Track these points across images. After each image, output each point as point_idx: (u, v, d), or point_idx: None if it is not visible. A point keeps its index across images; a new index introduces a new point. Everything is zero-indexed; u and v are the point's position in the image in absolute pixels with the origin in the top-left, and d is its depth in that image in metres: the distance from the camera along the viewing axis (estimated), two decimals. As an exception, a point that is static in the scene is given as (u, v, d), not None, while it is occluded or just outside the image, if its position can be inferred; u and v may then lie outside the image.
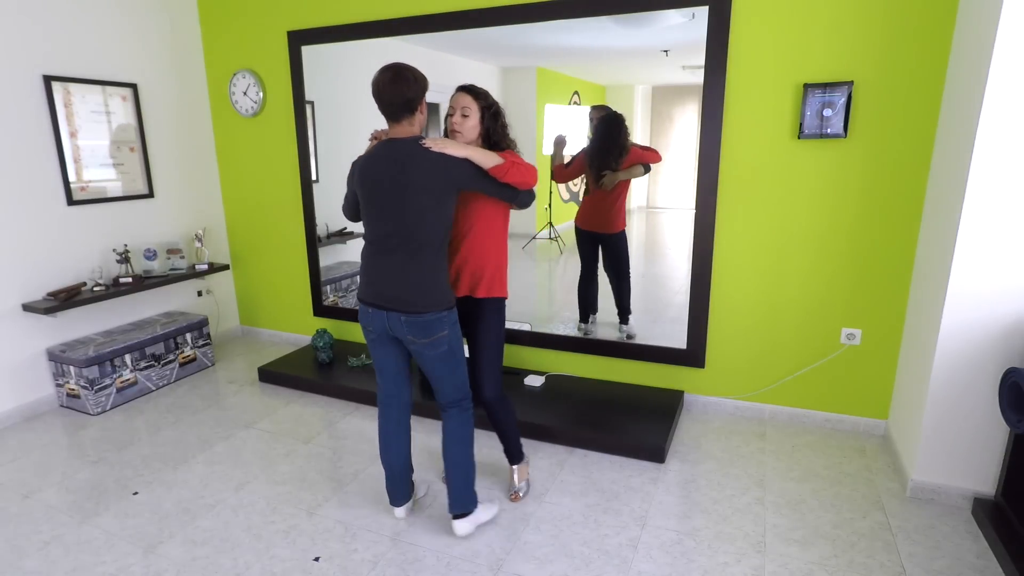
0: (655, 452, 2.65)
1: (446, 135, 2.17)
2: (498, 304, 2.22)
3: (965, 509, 2.29)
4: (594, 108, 3.11)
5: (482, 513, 2.22)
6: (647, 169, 3.01)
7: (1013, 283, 2.09)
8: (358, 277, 3.91)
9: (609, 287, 3.25)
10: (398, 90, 1.91)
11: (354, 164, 2.08)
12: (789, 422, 2.98)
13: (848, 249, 2.70)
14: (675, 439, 2.85)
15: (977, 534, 2.16)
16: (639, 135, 3.10)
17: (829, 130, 2.57)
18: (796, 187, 2.72)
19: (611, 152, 3.01)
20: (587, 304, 3.29)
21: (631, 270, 3.18)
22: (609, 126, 3.05)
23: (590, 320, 3.28)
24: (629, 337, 3.20)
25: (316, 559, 2.08)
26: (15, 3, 2.98)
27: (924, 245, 2.52)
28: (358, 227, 3.84)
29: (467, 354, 2.29)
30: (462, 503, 2.14)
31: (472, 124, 2.08)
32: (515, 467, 2.43)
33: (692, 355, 3.03)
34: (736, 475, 2.55)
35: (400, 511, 2.28)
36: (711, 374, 3.07)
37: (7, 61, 2.97)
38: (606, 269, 3.23)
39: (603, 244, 3.22)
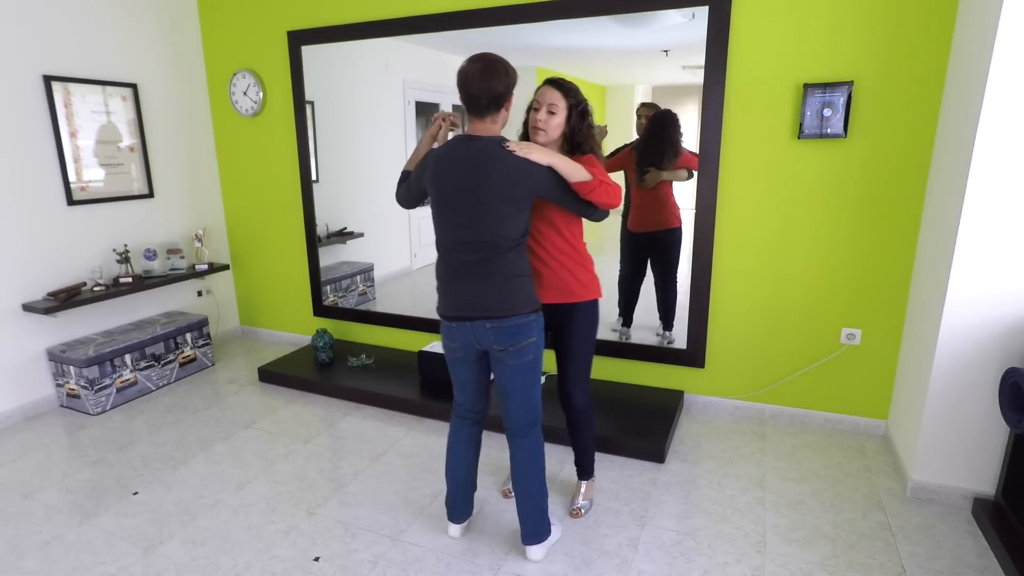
0: (655, 452, 2.65)
1: (524, 131, 2.04)
2: (592, 307, 2.09)
3: (965, 509, 2.29)
4: (643, 105, 2.99)
5: (554, 534, 2.12)
6: (691, 175, 2.89)
7: (1013, 283, 2.09)
8: (357, 277, 3.95)
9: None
10: (488, 84, 1.75)
11: (428, 156, 1.92)
12: (789, 422, 2.98)
13: (848, 249, 2.70)
14: (675, 439, 2.85)
15: (977, 534, 2.16)
16: (639, 134, 3.09)
17: (829, 130, 2.57)
18: (796, 187, 2.72)
19: (665, 151, 2.90)
20: (632, 310, 3.19)
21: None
22: (664, 124, 2.92)
23: (632, 325, 3.19)
24: (670, 343, 3.12)
25: (316, 559, 2.08)
26: (15, 3, 2.98)
27: (924, 245, 2.52)
28: (358, 227, 3.89)
29: (554, 363, 2.19)
30: (537, 534, 2.04)
31: (558, 122, 1.94)
32: (584, 482, 2.34)
33: (692, 355, 3.03)
34: (736, 475, 2.55)
35: (455, 529, 2.16)
36: (711, 374, 3.07)
37: (7, 61, 2.97)
38: (653, 270, 3.13)
39: (658, 243, 3.10)
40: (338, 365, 3.60)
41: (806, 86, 2.56)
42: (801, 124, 2.60)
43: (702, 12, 2.64)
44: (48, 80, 3.13)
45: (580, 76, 3.21)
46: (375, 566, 2.04)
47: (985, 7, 2.05)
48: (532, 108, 1.99)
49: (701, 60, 2.70)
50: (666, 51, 2.89)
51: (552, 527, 2.11)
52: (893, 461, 2.62)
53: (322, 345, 3.59)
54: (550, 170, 1.80)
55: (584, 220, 2.04)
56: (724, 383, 3.07)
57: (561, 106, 1.94)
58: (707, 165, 2.79)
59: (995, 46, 1.94)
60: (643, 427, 2.79)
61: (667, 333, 3.14)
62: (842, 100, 2.52)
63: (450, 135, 2.05)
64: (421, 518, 2.29)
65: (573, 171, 1.81)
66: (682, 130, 2.89)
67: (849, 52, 2.51)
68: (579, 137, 1.98)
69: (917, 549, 2.08)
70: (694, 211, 2.87)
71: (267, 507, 2.38)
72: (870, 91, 2.51)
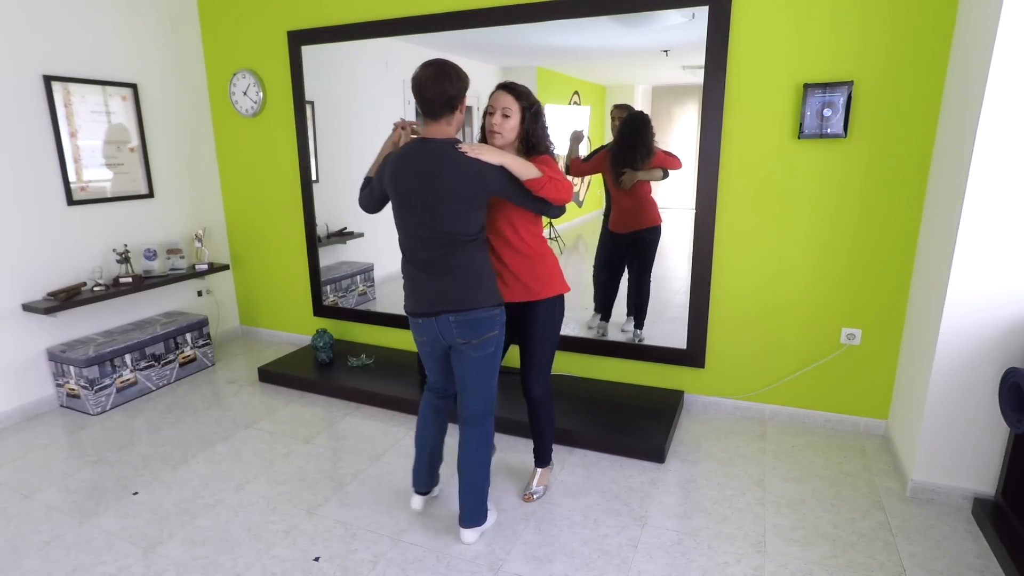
0: (655, 452, 2.65)
1: (483, 134, 2.12)
2: (553, 303, 2.17)
3: (965, 509, 2.29)
4: (616, 107, 3.06)
5: (489, 520, 2.20)
6: (666, 174, 2.97)
7: (1013, 283, 2.09)
8: (357, 277, 3.95)
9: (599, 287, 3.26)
10: (440, 88, 1.84)
11: (387, 158, 2.01)
12: (789, 422, 2.98)
13: (848, 249, 2.70)
14: (675, 439, 2.85)
15: (977, 534, 2.16)
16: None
17: (829, 130, 2.57)
18: (796, 187, 2.72)
19: (638, 151, 2.95)
20: (609, 305, 3.25)
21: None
22: (636, 125, 2.99)
23: (606, 320, 3.25)
24: (640, 341, 3.17)
25: (316, 559, 2.08)
26: (15, 3, 2.98)
27: (924, 245, 2.52)
28: (358, 227, 3.89)
29: (515, 355, 2.30)
30: (473, 518, 2.13)
31: (512, 125, 2.02)
32: (540, 470, 2.43)
33: (692, 355, 3.03)
34: (736, 475, 2.55)
35: (417, 501, 2.26)
36: (711, 374, 3.07)
37: (7, 61, 2.97)
38: (630, 267, 3.19)
39: (639, 241, 3.16)
40: (338, 365, 3.59)
41: (806, 86, 2.56)
42: (801, 124, 2.60)
43: (702, 12, 2.64)
44: (48, 80, 3.13)
45: (580, 76, 3.22)
46: (375, 566, 2.04)
47: (985, 7, 2.05)
48: (487, 113, 2.06)
49: (701, 60, 2.69)
50: (666, 51, 2.89)
51: (488, 512, 2.19)
52: (893, 461, 2.62)
53: (322, 345, 3.59)
54: (502, 169, 1.88)
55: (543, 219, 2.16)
56: (724, 383, 3.07)
57: (514, 109, 2.02)
58: (707, 165, 2.79)
59: (995, 46, 1.94)
60: (643, 427, 2.79)
61: (638, 331, 3.18)
62: (842, 100, 2.52)
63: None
64: (421, 518, 2.29)
65: (523, 169, 1.88)
66: (654, 131, 2.96)
67: (849, 52, 2.51)
68: (534, 138, 2.06)
69: (917, 549, 2.09)
70: (694, 211, 2.88)
71: (267, 507, 2.38)
72: (870, 91, 2.51)
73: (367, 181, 2.14)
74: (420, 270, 1.96)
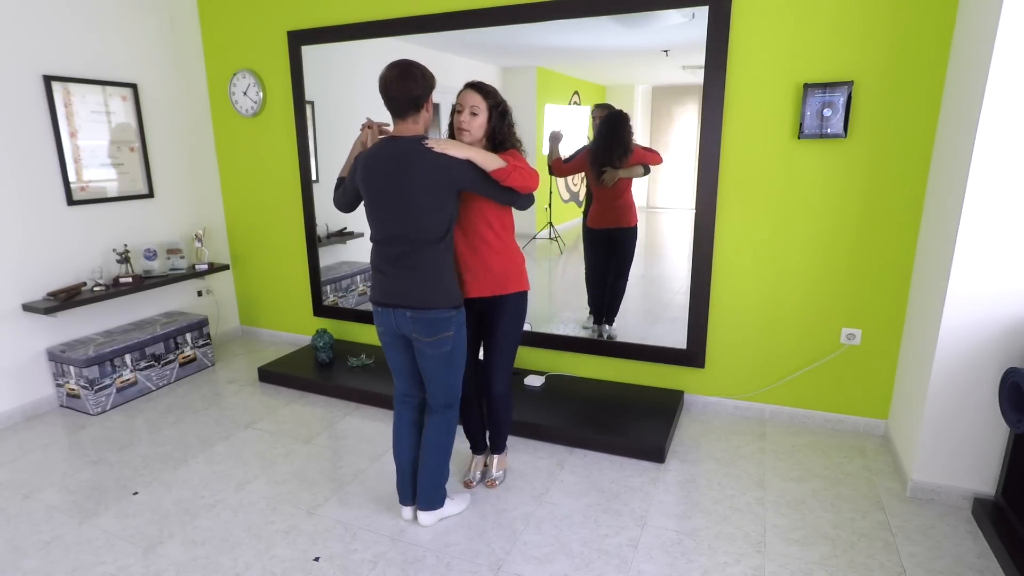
0: (655, 452, 2.65)
1: (451, 132, 2.16)
2: (519, 299, 2.24)
3: (965, 509, 2.29)
4: (597, 107, 3.11)
5: (450, 507, 2.27)
6: (647, 170, 3.04)
7: (1013, 283, 2.09)
8: (357, 277, 3.94)
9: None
10: (405, 87, 1.91)
11: (357, 158, 2.08)
12: (789, 422, 2.98)
13: (848, 249, 2.70)
14: (675, 439, 2.85)
15: (977, 534, 2.16)
16: (639, 135, 3.10)
17: (829, 130, 2.57)
18: (796, 187, 2.72)
19: (615, 150, 3.01)
20: (601, 306, 3.28)
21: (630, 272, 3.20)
22: (614, 124, 3.06)
23: (603, 322, 3.27)
24: (609, 338, 3.21)
25: (316, 559, 2.08)
26: (15, 3, 2.98)
27: (924, 245, 2.52)
28: (358, 227, 3.89)
29: (480, 352, 2.33)
30: (429, 501, 2.21)
31: (480, 123, 2.08)
32: (497, 456, 2.52)
33: (692, 355, 3.03)
34: (736, 475, 2.55)
35: (407, 511, 2.27)
36: (711, 374, 3.07)
37: (7, 61, 2.97)
38: (608, 267, 3.23)
39: (615, 241, 3.22)
40: (338, 365, 3.59)
41: (806, 86, 2.56)
42: (801, 124, 2.60)
43: (702, 12, 2.64)
44: (48, 80, 3.13)
45: (580, 76, 3.22)
46: (375, 566, 2.04)
47: (985, 7, 2.05)
48: (456, 111, 2.12)
49: (701, 60, 2.69)
50: (666, 51, 2.89)
51: (451, 503, 2.28)
52: (893, 461, 2.62)
53: (322, 345, 3.59)
54: (468, 162, 1.94)
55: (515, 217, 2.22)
56: (724, 383, 3.07)
57: (482, 107, 2.08)
58: (707, 165, 2.79)
59: (995, 46, 1.94)
60: (643, 427, 2.79)
61: (607, 327, 3.22)
62: (842, 100, 2.52)
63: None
64: (421, 518, 2.30)
65: (488, 161, 1.95)
66: (632, 129, 3.02)
67: (849, 52, 2.51)
68: (500, 135, 2.13)
69: (917, 549, 2.09)
70: (694, 211, 2.87)
71: (267, 507, 2.38)
72: (870, 91, 2.51)
73: (339, 182, 2.20)
74: (387, 264, 2.03)
